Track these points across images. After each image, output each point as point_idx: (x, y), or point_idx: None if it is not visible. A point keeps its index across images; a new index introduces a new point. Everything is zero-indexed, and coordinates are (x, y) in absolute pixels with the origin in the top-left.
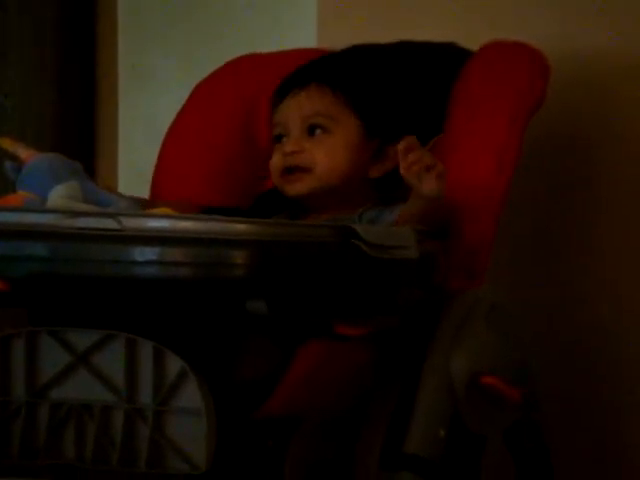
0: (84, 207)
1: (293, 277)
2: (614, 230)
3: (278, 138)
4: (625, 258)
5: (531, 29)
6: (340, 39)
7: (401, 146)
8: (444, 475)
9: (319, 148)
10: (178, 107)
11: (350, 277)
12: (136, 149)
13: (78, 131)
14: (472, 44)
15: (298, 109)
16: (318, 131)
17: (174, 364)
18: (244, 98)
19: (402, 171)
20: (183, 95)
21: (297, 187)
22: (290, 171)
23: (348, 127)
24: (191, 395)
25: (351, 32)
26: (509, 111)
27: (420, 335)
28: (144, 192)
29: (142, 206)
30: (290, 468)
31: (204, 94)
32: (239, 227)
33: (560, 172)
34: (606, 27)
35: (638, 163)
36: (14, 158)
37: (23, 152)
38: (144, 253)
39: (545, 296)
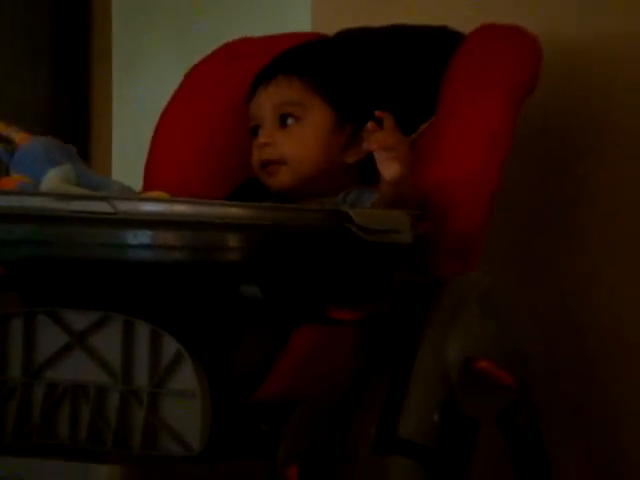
0: (78, 190)
1: (287, 261)
2: (610, 221)
3: (254, 130)
4: (620, 250)
5: (525, 13)
6: (335, 23)
7: (370, 125)
8: (438, 459)
9: (290, 139)
10: (172, 92)
11: (344, 261)
12: (130, 133)
13: (72, 115)
14: (469, 28)
15: (268, 100)
16: (290, 120)
17: (170, 346)
18: (237, 83)
19: (369, 146)
20: (177, 80)
21: (278, 181)
22: (266, 165)
23: (319, 114)
24: (187, 377)
25: (346, 16)
26: (501, 94)
27: (413, 319)
28: (138, 176)
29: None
30: (284, 451)
31: (196, 79)
32: (233, 211)
33: (553, 162)
34: (602, 12)
35: (634, 155)
36: (7, 141)
37: (16, 135)
38: (137, 236)
39: (540, 281)
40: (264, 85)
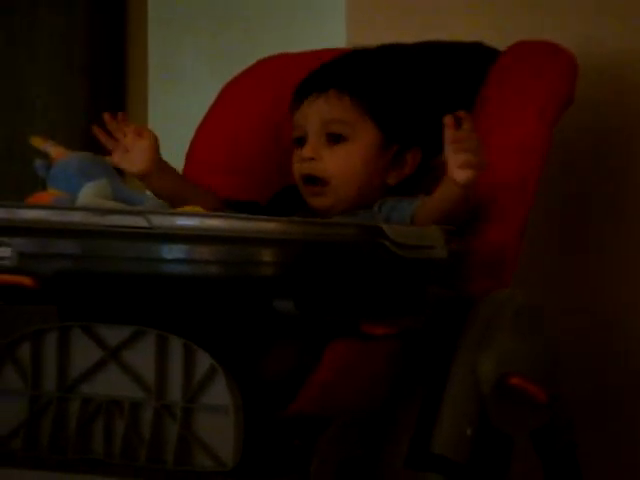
0: (113, 205)
1: (321, 276)
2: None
3: (298, 140)
4: None
5: (559, 29)
6: (369, 38)
7: (447, 119)
8: (471, 476)
9: (336, 157)
10: (207, 103)
11: (377, 276)
12: (166, 148)
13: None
14: (501, 44)
15: (317, 114)
16: (337, 139)
17: (204, 361)
18: (273, 97)
19: (446, 143)
20: (213, 94)
21: (319, 202)
22: (309, 180)
23: (366, 134)
24: (220, 392)
25: (380, 31)
26: (538, 110)
27: (447, 335)
28: None
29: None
30: (316, 467)
31: (234, 92)
32: (268, 225)
33: (590, 174)
34: (634, 28)
35: None
36: (44, 156)
37: (53, 150)
38: (173, 251)
39: (573, 300)
40: (314, 96)
